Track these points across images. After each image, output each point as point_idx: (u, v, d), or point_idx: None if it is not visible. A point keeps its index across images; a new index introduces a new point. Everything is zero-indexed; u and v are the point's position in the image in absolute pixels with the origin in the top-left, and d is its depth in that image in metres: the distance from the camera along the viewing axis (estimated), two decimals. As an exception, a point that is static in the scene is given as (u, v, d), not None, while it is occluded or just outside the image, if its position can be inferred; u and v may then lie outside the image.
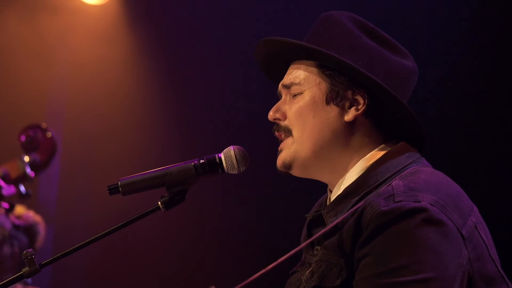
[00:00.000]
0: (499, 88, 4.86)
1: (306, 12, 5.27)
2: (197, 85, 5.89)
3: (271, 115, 2.50)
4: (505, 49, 4.85)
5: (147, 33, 5.96)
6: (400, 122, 2.43)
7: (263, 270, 2.13)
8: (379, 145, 2.43)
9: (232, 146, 2.47)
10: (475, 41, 4.93)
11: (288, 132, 2.47)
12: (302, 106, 2.43)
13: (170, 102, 5.97)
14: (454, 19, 4.99)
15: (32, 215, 4.61)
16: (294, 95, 2.46)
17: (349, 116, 2.41)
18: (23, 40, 5.92)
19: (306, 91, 2.44)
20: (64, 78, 6.07)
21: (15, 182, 4.48)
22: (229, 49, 5.64)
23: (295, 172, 2.48)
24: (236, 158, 2.45)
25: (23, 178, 4.50)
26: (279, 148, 2.50)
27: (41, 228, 4.62)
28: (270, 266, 2.14)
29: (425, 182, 2.23)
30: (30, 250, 2.38)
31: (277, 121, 2.50)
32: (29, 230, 4.56)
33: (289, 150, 2.45)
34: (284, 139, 2.49)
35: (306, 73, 2.45)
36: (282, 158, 2.47)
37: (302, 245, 2.29)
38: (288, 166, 2.47)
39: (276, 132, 2.51)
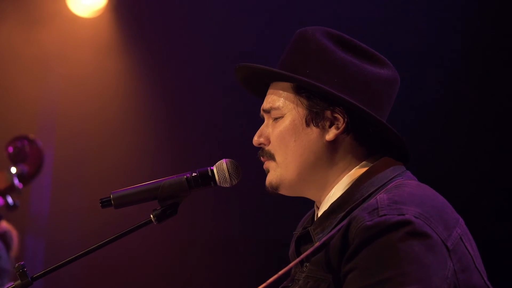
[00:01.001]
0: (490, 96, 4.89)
1: (298, 14, 5.32)
2: (192, 98, 5.90)
3: (255, 140, 2.50)
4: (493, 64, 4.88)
5: (140, 45, 5.97)
6: (382, 135, 2.42)
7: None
8: (363, 160, 2.43)
9: (224, 159, 2.48)
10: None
11: (271, 157, 2.46)
12: (283, 130, 2.43)
13: (163, 115, 5.98)
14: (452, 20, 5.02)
15: (3, 223, 4.60)
16: (275, 119, 2.46)
17: (330, 135, 2.40)
18: (14, 52, 5.92)
19: (286, 115, 2.43)
20: (56, 90, 6.07)
21: (3, 193, 4.46)
22: (225, 61, 5.65)
23: (283, 192, 2.49)
24: (228, 171, 2.46)
25: (10, 189, 4.48)
26: (264, 168, 2.50)
27: (14, 236, 4.62)
28: (261, 286, 2.16)
29: (409, 194, 2.24)
30: (22, 263, 2.38)
31: (262, 145, 2.50)
32: (3, 237, 4.55)
33: (274, 173, 2.46)
34: (267, 162, 2.49)
35: (283, 97, 2.45)
36: (269, 180, 2.48)
37: (292, 264, 2.28)
38: (276, 187, 2.47)
39: (261, 158, 2.51)
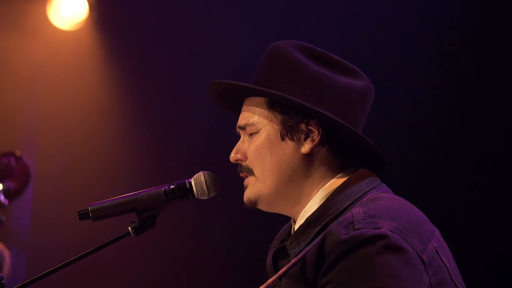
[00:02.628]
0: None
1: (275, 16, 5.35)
2: (172, 110, 5.90)
3: (232, 156, 2.52)
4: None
5: (121, 58, 5.97)
6: (358, 147, 2.44)
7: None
8: (339, 173, 2.44)
9: (202, 171, 2.49)
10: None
11: (250, 172, 2.48)
12: (259, 145, 2.44)
13: (144, 127, 5.97)
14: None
15: None
16: (251, 135, 2.48)
17: (306, 148, 2.42)
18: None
19: (261, 130, 2.45)
20: (37, 103, 6.05)
21: (-11, 210, 4.44)
22: (205, 74, 5.67)
23: (261, 207, 2.50)
24: (206, 183, 2.47)
25: (-4, 206, 4.46)
26: (244, 184, 2.51)
27: (6, 255, 4.59)
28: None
29: (384, 208, 2.25)
30: (0, 275, 2.38)
31: (239, 161, 2.51)
32: None
33: (253, 188, 2.47)
34: (247, 178, 2.50)
35: (258, 112, 2.46)
36: (247, 195, 2.49)
37: (270, 280, 2.26)
38: (254, 203, 2.48)
39: (240, 173, 2.52)
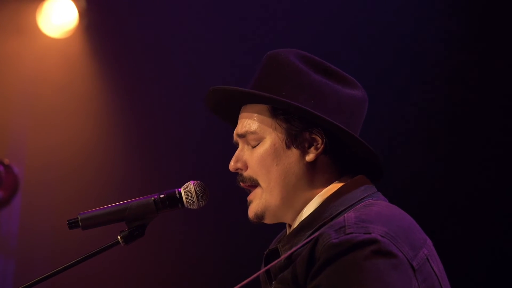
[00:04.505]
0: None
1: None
2: (163, 119, 5.90)
3: (232, 165, 2.49)
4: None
5: (110, 66, 5.96)
6: (358, 155, 2.44)
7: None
8: (337, 179, 2.45)
9: (192, 181, 2.48)
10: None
11: (254, 182, 2.45)
12: (264, 154, 2.42)
13: (133, 135, 5.97)
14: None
15: None
16: (252, 143, 2.45)
17: (310, 156, 2.41)
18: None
19: (264, 139, 2.43)
20: (26, 113, 6.04)
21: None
22: (196, 81, 5.67)
23: (267, 220, 2.48)
24: (196, 193, 2.46)
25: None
26: (248, 199, 2.48)
27: None
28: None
29: (376, 214, 2.26)
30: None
31: (239, 171, 2.48)
32: None
33: (260, 201, 2.44)
34: (251, 190, 2.47)
35: (260, 120, 2.44)
36: (253, 210, 2.46)
37: (255, 275, 2.27)
38: (261, 217, 2.46)
39: (241, 183, 2.49)
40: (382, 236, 2.17)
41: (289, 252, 2.28)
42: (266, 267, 2.35)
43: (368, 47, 5.19)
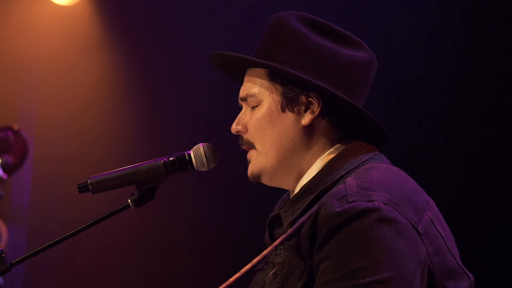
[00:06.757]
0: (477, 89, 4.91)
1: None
2: (171, 88, 5.90)
3: (233, 128, 2.51)
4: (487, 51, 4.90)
5: (120, 36, 5.95)
6: (358, 118, 2.44)
7: (232, 278, 2.16)
8: (337, 144, 2.44)
9: (201, 143, 2.49)
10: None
11: (251, 145, 2.48)
12: (260, 118, 2.44)
13: (143, 99, 5.97)
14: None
15: None
16: (253, 107, 2.48)
17: (306, 120, 2.41)
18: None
19: (262, 102, 2.45)
20: (35, 79, 6.04)
21: (-13, 185, 4.44)
22: (204, 53, 5.64)
23: (264, 181, 2.50)
24: (205, 155, 2.47)
25: (-5, 180, 4.46)
26: (247, 158, 2.51)
27: (3, 231, 4.59)
28: (234, 277, 2.17)
29: (378, 180, 2.23)
30: (0, 249, 2.38)
31: (240, 133, 2.51)
32: None
33: (256, 162, 2.47)
34: (249, 151, 2.51)
35: (259, 84, 2.46)
36: (250, 169, 2.49)
37: (268, 250, 2.27)
38: (257, 177, 2.48)
39: (242, 146, 2.52)
40: (385, 204, 2.15)
41: (295, 227, 2.26)
42: (275, 244, 2.30)
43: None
